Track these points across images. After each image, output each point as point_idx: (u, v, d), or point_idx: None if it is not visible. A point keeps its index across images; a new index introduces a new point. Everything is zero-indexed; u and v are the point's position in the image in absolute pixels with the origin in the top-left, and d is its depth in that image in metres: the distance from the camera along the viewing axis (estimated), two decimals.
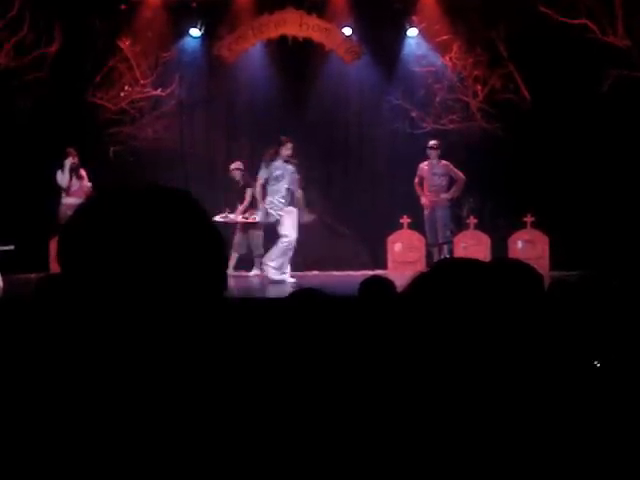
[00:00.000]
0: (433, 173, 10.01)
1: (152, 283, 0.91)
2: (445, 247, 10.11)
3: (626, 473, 1.17)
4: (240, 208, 10.26)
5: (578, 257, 9.12)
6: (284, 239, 9.05)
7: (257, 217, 9.47)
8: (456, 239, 10.36)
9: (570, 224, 9.68)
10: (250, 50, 11.39)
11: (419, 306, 1.17)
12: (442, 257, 9.90)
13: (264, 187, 9.16)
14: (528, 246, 10.13)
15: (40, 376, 0.96)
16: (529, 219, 10.23)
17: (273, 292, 8.45)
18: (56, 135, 10.05)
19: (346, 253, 11.06)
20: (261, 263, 9.89)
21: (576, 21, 9.53)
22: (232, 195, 10.43)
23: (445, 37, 10.90)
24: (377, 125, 11.44)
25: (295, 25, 11.12)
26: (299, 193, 9.47)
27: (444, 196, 9.99)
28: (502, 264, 2.01)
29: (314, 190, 11.37)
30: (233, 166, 10.38)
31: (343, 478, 1.05)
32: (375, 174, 11.40)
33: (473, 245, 10.24)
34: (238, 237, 10.19)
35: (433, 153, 9.99)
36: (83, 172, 9.85)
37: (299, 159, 11.32)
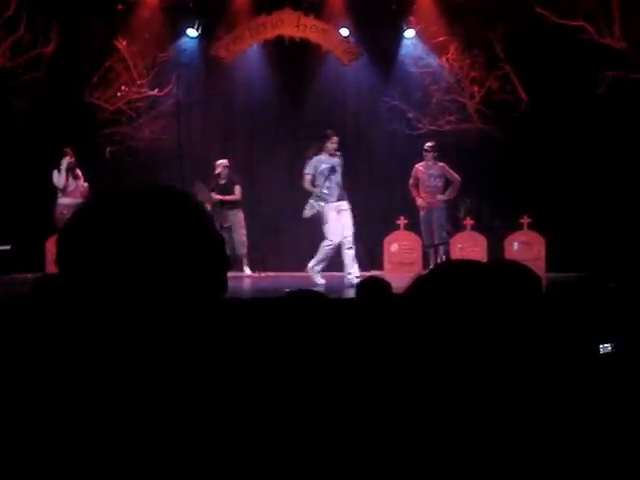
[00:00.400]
0: (429, 174, 10.01)
1: (152, 284, 0.91)
2: (441, 248, 10.11)
3: (623, 475, 1.18)
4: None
5: (574, 259, 9.13)
6: (327, 242, 8.70)
7: (304, 213, 9.00)
8: (452, 240, 10.36)
9: (566, 226, 9.69)
10: (247, 50, 11.40)
11: (419, 308, 1.17)
12: (438, 258, 9.91)
13: (312, 183, 8.81)
14: (524, 247, 10.14)
15: (37, 376, 0.95)
16: (525, 220, 10.24)
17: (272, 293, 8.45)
18: (53, 135, 10.04)
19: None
20: (244, 262, 9.99)
21: (573, 23, 9.54)
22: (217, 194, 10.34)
23: (442, 38, 10.91)
24: (374, 126, 11.44)
25: (292, 26, 11.13)
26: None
27: (440, 197, 10.00)
28: (500, 265, 2.01)
29: None
30: (222, 163, 10.33)
31: (343, 478, 1.05)
32: (372, 175, 11.40)
33: (469, 246, 10.24)
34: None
35: (429, 155, 9.98)
36: (79, 172, 9.84)
37: (296, 160, 11.36)
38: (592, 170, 9.78)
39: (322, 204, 8.63)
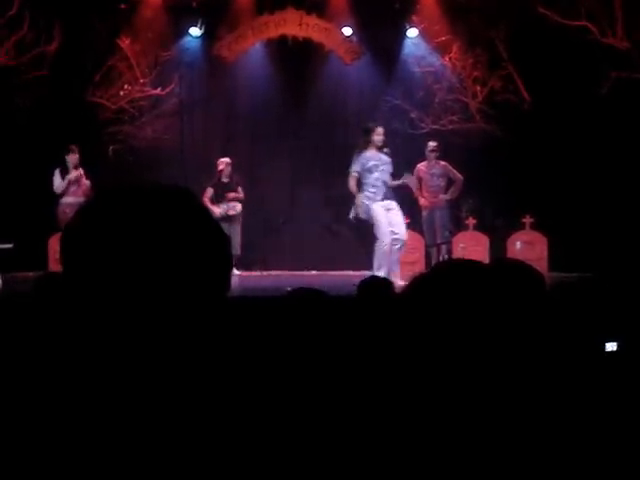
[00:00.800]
0: (431, 174, 10.00)
1: (155, 282, 0.91)
2: (443, 248, 10.10)
3: (628, 473, 1.17)
4: (231, 204, 10.20)
5: (577, 258, 9.12)
6: (379, 244, 8.22)
7: (350, 213, 8.52)
8: (455, 240, 10.35)
9: (569, 225, 9.68)
10: (250, 50, 11.39)
11: (418, 308, 1.17)
12: (441, 258, 9.90)
13: (359, 181, 8.27)
14: (527, 247, 10.13)
15: (39, 374, 0.95)
16: (528, 220, 10.22)
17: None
18: (56, 134, 10.04)
19: (345, 253, 11.06)
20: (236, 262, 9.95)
21: (576, 22, 9.53)
22: (219, 192, 10.31)
23: (445, 38, 10.90)
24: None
25: (295, 25, 11.12)
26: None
27: (443, 197, 9.99)
28: (503, 265, 2.01)
29: (313, 190, 11.39)
30: (224, 161, 10.32)
31: (343, 478, 1.05)
32: None
33: (472, 246, 10.23)
34: None
35: (432, 155, 9.98)
36: (82, 170, 9.83)
37: (298, 159, 11.36)
38: (595, 170, 9.77)
39: (368, 204, 8.16)
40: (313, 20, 11.13)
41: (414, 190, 9.17)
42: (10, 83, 9.85)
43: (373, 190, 8.18)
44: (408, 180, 8.65)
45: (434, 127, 10.74)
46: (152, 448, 0.89)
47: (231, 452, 0.92)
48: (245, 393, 1.00)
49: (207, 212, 0.98)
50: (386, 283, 3.45)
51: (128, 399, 0.90)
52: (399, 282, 6.76)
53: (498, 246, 10.09)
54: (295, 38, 11.12)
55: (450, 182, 10.04)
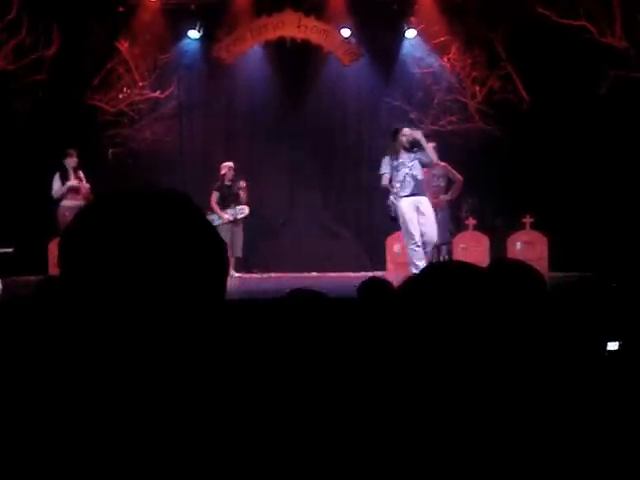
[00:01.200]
0: (431, 175, 9.99)
1: (152, 287, 0.91)
2: (444, 248, 10.10)
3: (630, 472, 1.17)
4: (238, 208, 10.23)
5: (577, 258, 9.12)
6: (408, 243, 7.94)
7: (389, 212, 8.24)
8: (455, 240, 10.35)
9: (569, 225, 9.67)
10: (248, 52, 11.41)
11: (412, 309, 1.17)
12: (441, 258, 9.90)
13: (390, 181, 8.05)
14: (527, 247, 10.13)
15: (39, 378, 0.95)
16: (528, 220, 10.23)
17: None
18: (55, 137, 10.04)
19: (345, 254, 11.06)
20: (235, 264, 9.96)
21: (574, 22, 9.54)
22: (223, 195, 10.31)
23: (443, 38, 10.90)
24: (376, 126, 11.44)
25: (293, 27, 11.14)
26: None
27: (443, 197, 9.99)
28: (503, 265, 2.00)
29: (313, 191, 11.40)
30: (227, 165, 10.32)
31: (343, 478, 1.05)
32: (374, 175, 11.36)
33: (472, 246, 10.23)
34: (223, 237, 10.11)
35: None
36: (81, 174, 9.83)
37: (297, 160, 11.36)
38: (594, 169, 9.77)
39: (395, 202, 7.96)
40: (311, 22, 11.14)
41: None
42: (9, 87, 9.85)
43: (398, 186, 7.97)
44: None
45: (433, 128, 10.73)
46: (151, 451, 0.89)
47: (231, 455, 0.92)
48: (245, 396, 1.00)
49: (203, 216, 0.98)
50: (386, 284, 3.45)
51: (127, 402, 0.90)
52: None
53: (498, 246, 10.09)
54: (293, 40, 11.14)
55: (450, 183, 10.04)
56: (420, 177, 7.97)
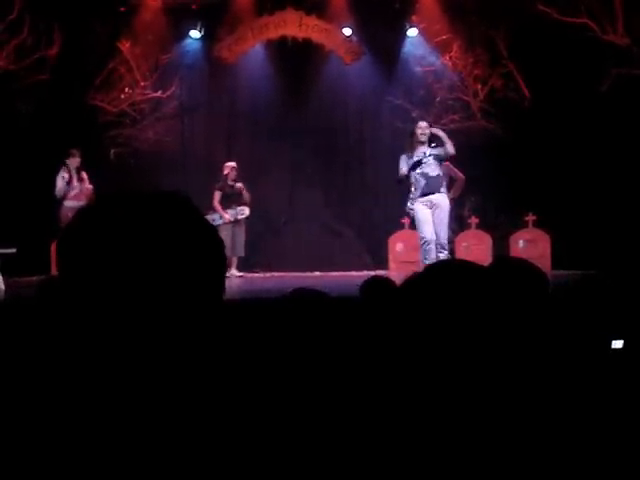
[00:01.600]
0: None
1: (152, 287, 0.91)
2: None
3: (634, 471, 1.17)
4: (239, 209, 10.24)
5: (580, 256, 9.11)
6: (421, 241, 7.73)
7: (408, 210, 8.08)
8: (457, 239, 10.35)
9: (572, 223, 9.66)
10: (250, 51, 11.41)
11: (412, 308, 1.16)
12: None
13: (408, 178, 7.80)
14: (530, 245, 10.12)
15: (41, 378, 0.95)
16: (530, 218, 10.22)
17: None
18: (57, 138, 10.05)
19: (347, 253, 11.06)
20: (235, 263, 9.98)
21: (576, 20, 9.52)
22: (226, 195, 10.31)
23: (445, 37, 10.90)
24: (377, 125, 11.44)
25: (295, 26, 11.14)
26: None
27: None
28: (505, 263, 2.00)
29: (315, 190, 11.39)
30: (230, 165, 10.32)
31: (344, 478, 1.04)
32: (376, 174, 11.39)
33: (475, 244, 10.23)
34: (224, 237, 10.09)
35: None
36: (84, 174, 9.84)
37: (299, 159, 11.36)
38: (597, 167, 9.75)
39: (411, 206, 7.79)
40: (313, 21, 11.14)
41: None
42: (11, 88, 9.86)
43: (413, 189, 7.78)
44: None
45: (435, 126, 10.72)
46: (151, 450, 0.89)
47: (231, 454, 0.92)
48: (245, 395, 1.00)
49: (202, 217, 0.98)
50: (388, 283, 3.44)
51: (127, 401, 0.90)
52: None
53: (501, 244, 10.09)
54: (295, 39, 11.14)
55: (452, 181, 10.03)
56: (434, 174, 7.74)
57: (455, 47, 10.84)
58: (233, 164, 10.31)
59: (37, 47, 9.91)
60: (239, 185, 10.24)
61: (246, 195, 10.23)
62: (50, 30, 10.00)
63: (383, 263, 10.57)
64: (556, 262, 9.72)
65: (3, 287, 8.01)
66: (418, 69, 11.14)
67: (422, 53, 11.26)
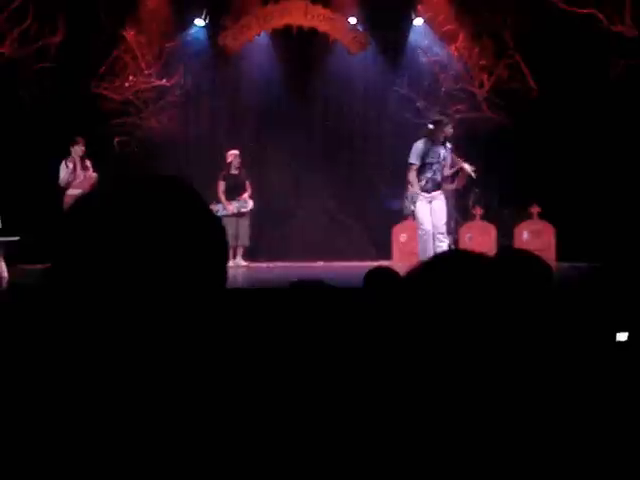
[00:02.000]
0: None
1: (152, 275, 0.90)
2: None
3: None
4: (245, 196, 10.26)
5: (585, 248, 9.09)
6: (420, 232, 7.87)
7: (405, 210, 8.37)
8: (462, 230, 10.34)
9: (577, 215, 9.64)
10: (255, 40, 11.39)
11: (416, 299, 1.15)
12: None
13: (418, 172, 7.88)
14: (534, 237, 10.11)
15: (44, 367, 0.95)
16: (535, 210, 10.20)
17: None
18: (61, 126, 10.04)
19: (351, 244, 11.06)
20: (241, 253, 10.00)
21: (583, 10, 9.47)
22: (229, 184, 10.32)
23: (451, 27, 10.87)
24: (383, 115, 11.42)
25: (300, 15, 11.11)
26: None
27: (449, 186, 9.95)
28: (509, 255, 1.99)
29: (319, 180, 11.37)
30: (233, 153, 10.34)
31: (346, 477, 1.03)
32: (381, 164, 11.37)
33: (479, 236, 10.22)
34: (227, 227, 10.16)
35: None
36: (88, 162, 9.83)
37: (303, 149, 11.34)
38: (602, 158, 9.72)
39: (414, 196, 7.90)
40: (318, 10, 11.11)
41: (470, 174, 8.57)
42: (15, 75, 9.84)
43: (423, 184, 7.88)
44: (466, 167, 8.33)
45: (441, 116, 10.69)
46: (152, 445, 0.88)
47: (233, 447, 0.91)
48: (247, 387, 0.99)
49: (202, 201, 0.96)
50: (392, 273, 3.43)
51: (127, 393, 0.89)
52: None
53: (505, 236, 10.07)
54: (300, 28, 11.12)
55: (456, 172, 10.01)
56: (440, 178, 7.98)
57: (461, 37, 10.81)
58: (236, 152, 10.32)
59: (41, 35, 9.89)
60: (243, 175, 10.26)
61: (249, 185, 10.26)
62: (54, 18, 9.98)
63: (387, 253, 10.56)
64: (560, 254, 9.70)
65: (6, 275, 8.03)
66: (424, 59, 11.12)
67: (428, 43, 11.23)
